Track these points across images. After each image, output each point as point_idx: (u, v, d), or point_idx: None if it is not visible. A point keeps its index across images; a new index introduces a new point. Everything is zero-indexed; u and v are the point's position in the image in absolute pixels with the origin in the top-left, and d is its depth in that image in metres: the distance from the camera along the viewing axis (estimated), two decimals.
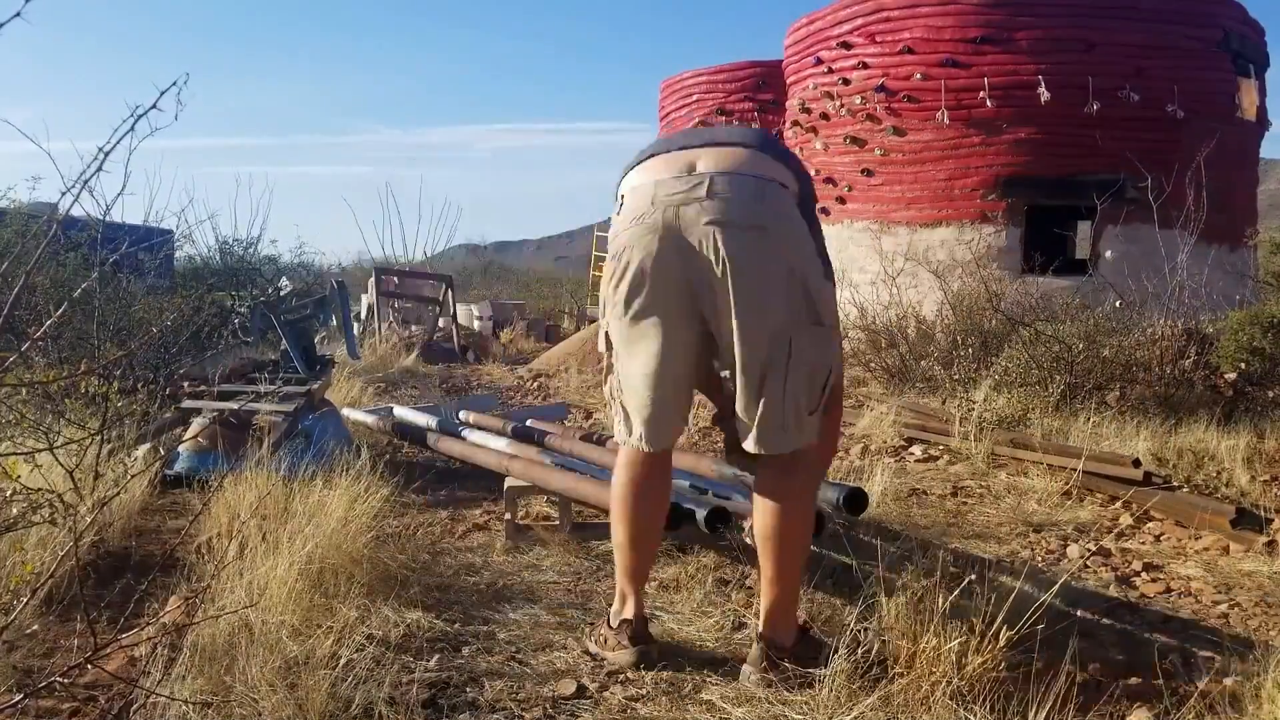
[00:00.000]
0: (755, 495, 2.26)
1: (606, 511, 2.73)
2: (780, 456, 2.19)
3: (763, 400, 2.13)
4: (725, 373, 2.35)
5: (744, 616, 2.63)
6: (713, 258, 2.07)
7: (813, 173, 13.27)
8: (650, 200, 2.14)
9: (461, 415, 5.05)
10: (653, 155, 2.27)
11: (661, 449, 2.31)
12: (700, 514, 2.71)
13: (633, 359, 2.25)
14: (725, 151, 2.19)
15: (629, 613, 2.35)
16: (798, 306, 2.13)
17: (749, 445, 2.18)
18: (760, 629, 2.24)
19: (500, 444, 4.15)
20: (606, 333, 2.34)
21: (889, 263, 10.89)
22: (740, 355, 2.12)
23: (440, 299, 12.59)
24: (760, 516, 2.23)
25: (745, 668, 2.21)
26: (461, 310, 14.44)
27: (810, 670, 2.13)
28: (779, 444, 2.16)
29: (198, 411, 4.39)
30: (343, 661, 2.13)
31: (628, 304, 2.19)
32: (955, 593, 2.17)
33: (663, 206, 2.11)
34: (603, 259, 21.66)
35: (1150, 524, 3.84)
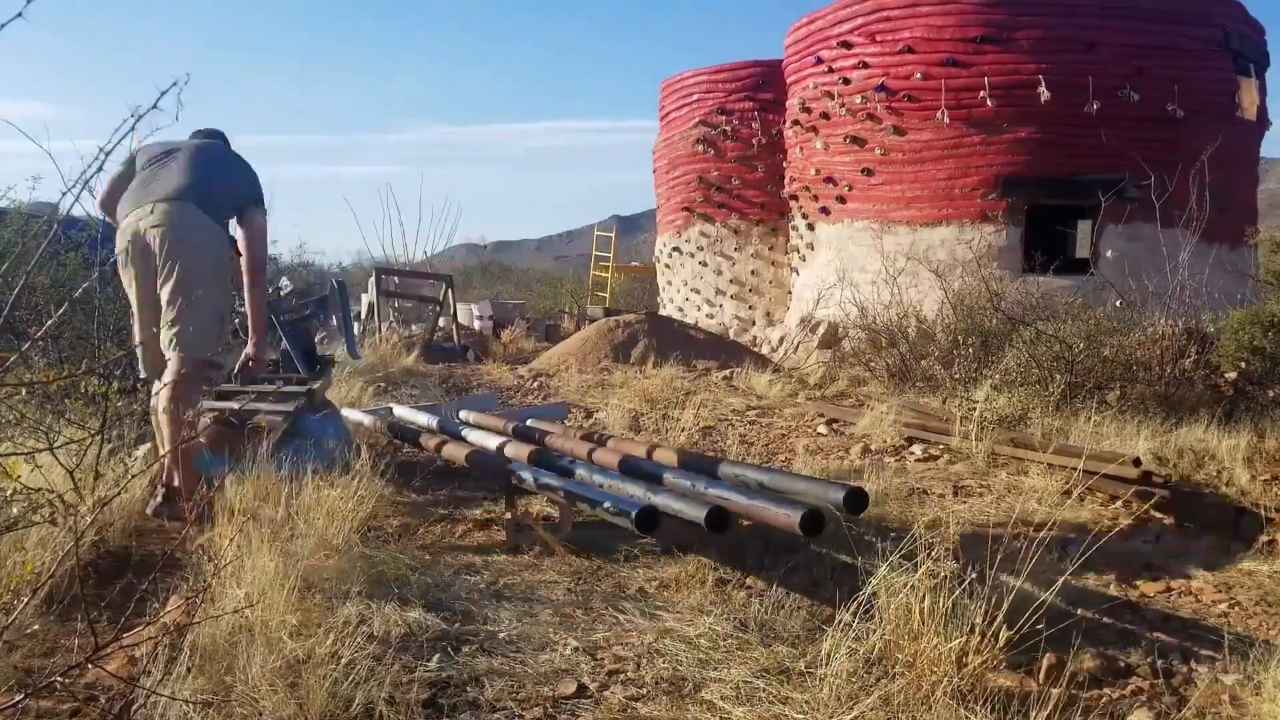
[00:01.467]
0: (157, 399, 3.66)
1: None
2: (176, 372, 3.57)
3: (176, 326, 3.62)
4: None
5: (744, 615, 2.63)
6: (158, 251, 3.63)
7: (812, 172, 13.29)
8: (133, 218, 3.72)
9: (461, 415, 5.04)
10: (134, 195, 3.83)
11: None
12: (699, 514, 2.72)
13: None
14: (172, 198, 3.69)
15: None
16: (193, 273, 3.62)
17: (169, 352, 3.61)
18: (165, 480, 3.58)
19: (500, 443, 4.15)
20: None
21: (889, 262, 10.90)
22: (166, 302, 3.64)
23: (440, 298, 12.59)
24: (161, 410, 3.58)
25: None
26: (462, 310, 14.44)
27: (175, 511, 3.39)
28: (191, 352, 3.61)
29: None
30: (343, 661, 2.13)
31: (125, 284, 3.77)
32: (955, 593, 2.17)
33: (133, 222, 3.68)
34: (603, 258, 21.42)
35: (1150, 522, 3.84)
